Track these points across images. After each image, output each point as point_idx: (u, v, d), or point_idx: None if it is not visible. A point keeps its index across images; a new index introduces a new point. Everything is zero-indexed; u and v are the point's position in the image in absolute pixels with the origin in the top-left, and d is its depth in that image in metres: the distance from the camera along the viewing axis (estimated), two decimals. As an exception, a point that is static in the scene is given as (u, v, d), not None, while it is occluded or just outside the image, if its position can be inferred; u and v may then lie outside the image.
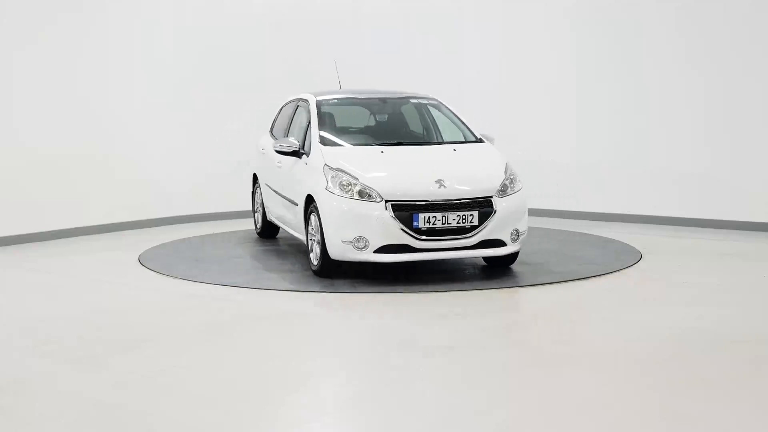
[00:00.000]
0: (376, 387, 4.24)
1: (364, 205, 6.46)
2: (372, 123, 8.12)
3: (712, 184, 9.56)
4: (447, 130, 7.85)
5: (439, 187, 6.53)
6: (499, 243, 6.68)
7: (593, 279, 6.79)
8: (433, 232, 6.47)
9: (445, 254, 6.58)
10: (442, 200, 6.50)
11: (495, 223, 6.59)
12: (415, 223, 6.43)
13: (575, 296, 6.30)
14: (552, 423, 3.68)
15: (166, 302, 6.28)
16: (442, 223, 6.47)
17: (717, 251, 8.21)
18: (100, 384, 4.30)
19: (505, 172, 6.90)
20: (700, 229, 9.47)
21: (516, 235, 6.75)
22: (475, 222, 6.53)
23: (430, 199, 6.49)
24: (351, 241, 6.46)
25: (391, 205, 6.44)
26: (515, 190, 6.83)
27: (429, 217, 6.45)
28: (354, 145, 7.34)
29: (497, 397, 4.04)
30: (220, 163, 10.82)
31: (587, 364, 4.57)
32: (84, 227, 9.50)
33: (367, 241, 6.44)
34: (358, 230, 6.43)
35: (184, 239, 9.15)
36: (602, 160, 10.38)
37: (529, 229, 9.62)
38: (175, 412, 3.88)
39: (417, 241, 6.45)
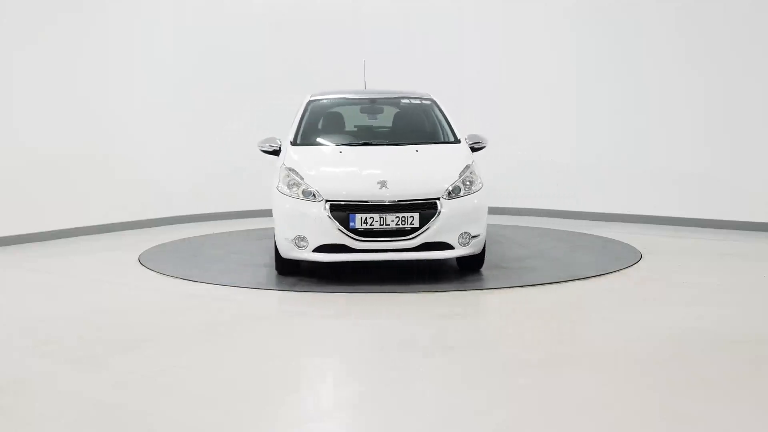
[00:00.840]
0: (376, 387, 4.24)
1: (305, 205, 6.52)
2: (356, 122, 8.13)
3: (712, 184, 9.56)
4: (432, 130, 7.76)
5: (380, 188, 6.47)
6: (446, 246, 6.56)
7: (593, 279, 6.79)
8: (370, 233, 6.42)
9: (385, 255, 6.45)
10: (382, 201, 6.43)
11: (439, 225, 6.46)
12: (351, 224, 6.40)
13: (575, 296, 6.30)
14: (552, 423, 3.68)
15: (166, 302, 6.28)
16: (380, 224, 6.40)
17: (717, 251, 8.21)
18: (100, 384, 4.30)
19: (461, 174, 6.72)
20: (700, 229, 9.48)
21: (467, 238, 6.57)
22: (416, 224, 6.42)
23: (369, 199, 6.44)
24: (293, 239, 6.55)
25: (330, 204, 6.45)
26: (470, 192, 6.67)
27: (366, 218, 6.40)
28: (320, 145, 7.42)
29: (497, 397, 4.04)
30: (220, 163, 10.83)
31: (587, 364, 4.57)
32: (84, 227, 9.50)
33: (306, 239, 6.50)
34: (299, 229, 6.52)
35: (184, 239, 9.15)
36: (602, 160, 10.39)
37: (530, 229, 9.67)
38: (175, 412, 3.88)
39: (354, 242, 6.42)
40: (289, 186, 6.69)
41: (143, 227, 10.09)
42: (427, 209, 6.46)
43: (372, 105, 8.20)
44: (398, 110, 8.16)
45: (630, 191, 10.22)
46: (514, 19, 11.02)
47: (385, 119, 8.22)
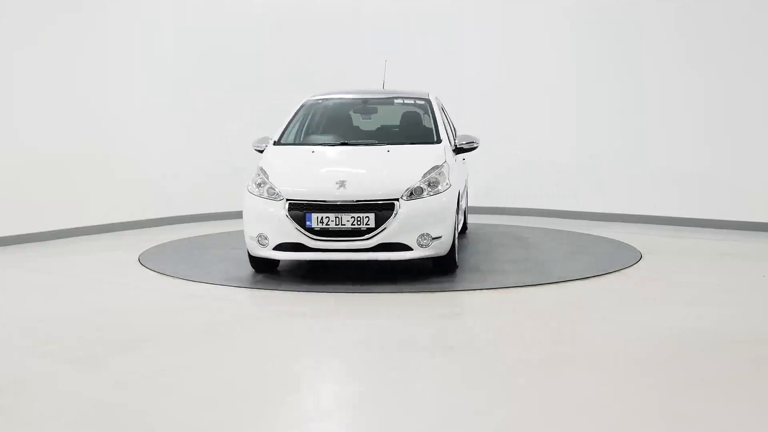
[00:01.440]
0: (376, 387, 4.24)
1: (267, 204, 6.63)
2: (347, 123, 8.13)
3: (712, 184, 9.56)
4: (417, 130, 7.65)
5: (339, 188, 6.48)
6: (404, 247, 6.49)
7: (593, 279, 6.79)
8: (326, 233, 6.45)
9: (341, 255, 6.48)
10: (339, 201, 6.44)
11: (396, 226, 6.41)
12: (308, 223, 6.46)
13: (575, 296, 6.30)
14: (552, 423, 3.68)
15: (166, 302, 6.28)
16: (336, 224, 6.43)
17: (717, 251, 8.21)
18: (100, 384, 4.30)
19: (425, 174, 6.63)
20: (700, 229, 9.48)
21: (427, 239, 6.47)
22: (372, 224, 6.40)
23: (327, 199, 6.46)
24: (256, 237, 6.67)
25: (289, 204, 6.53)
26: (434, 193, 6.58)
27: (322, 218, 6.43)
28: (299, 145, 7.49)
29: (497, 397, 4.04)
30: (220, 163, 10.82)
31: (587, 364, 4.57)
32: (84, 227, 9.50)
33: (268, 237, 6.61)
34: (261, 227, 6.64)
35: (184, 239, 9.15)
36: (602, 160, 10.39)
37: (530, 229, 9.66)
38: (175, 412, 3.88)
39: (311, 241, 6.47)
40: (258, 185, 6.82)
41: (143, 227, 10.09)
42: (383, 210, 6.43)
43: (364, 105, 8.20)
44: (390, 111, 8.14)
45: (630, 191, 10.22)
46: (514, 19, 11.02)
47: (378, 119, 8.20)
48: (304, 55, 11.20)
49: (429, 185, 6.61)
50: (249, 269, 7.32)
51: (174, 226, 10.29)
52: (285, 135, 7.61)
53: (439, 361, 4.67)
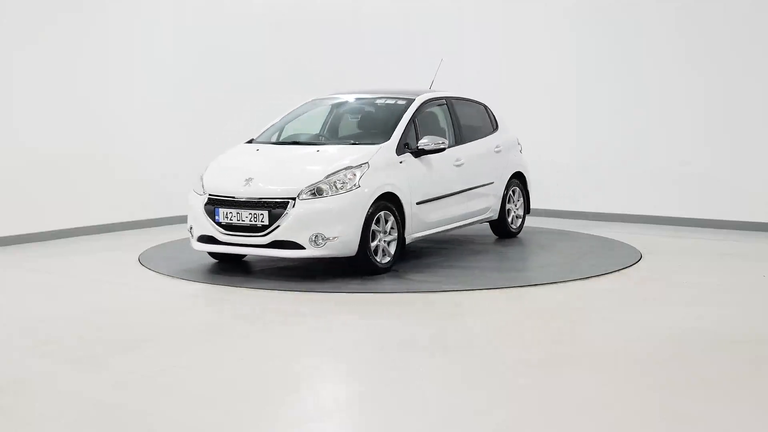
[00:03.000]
0: (376, 387, 4.24)
1: (196, 198, 7.08)
2: (316, 123, 8.18)
3: (712, 184, 9.56)
4: (375, 131, 7.54)
5: (245, 185, 6.79)
6: (296, 245, 6.56)
7: (593, 279, 6.79)
8: (231, 227, 6.79)
9: (244, 249, 6.84)
10: (242, 197, 6.76)
11: (288, 224, 6.53)
12: (216, 217, 6.84)
13: (575, 296, 6.30)
14: (552, 423, 3.68)
15: (166, 302, 6.28)
16: (238, 220, 6.75)
17: (717, 251, 8.21)
18: (100, 384, 4.30)
19: (330, 175, 6.64)
20: (700, 229, 9.48)
21: (320, 239, 6.50)
22: (266, 221, 6.61)
23: (234, 195, 6.81)
24: (189, 229, 7.20)
25: (208, 198, 6.95)
26: (335, 194, 6.57)
27: (227, 213, 6.79)
28: (259, 143, 7.73)
29: (497, 397, 4.04)
30: (220, 163, 10.81)
31: (587, 364, 4.57)
32: (84, 227, 9.49)
33: (193, 230, 7.10)
34: (191, 220, 7.15)
35: (184, 239, 9.14)
36: (602, 160, 10.38)
37: (529, 229, 9.65)
38: (175, 412, 3.89)
39: (220, 234, 6.84)
40: (199, 180, 7.20)
41: (143, 227, 10.09)
42: (277, 207, 6.61)
43: (350, 104, 8.21)
44: (372, 111, 8.04)
45: (630, 191, 10.21)
46: (514, 19, 11.01)
47: (363, 119, 8.08)
48: (304, 55, 11.19)
49: (332, 185, 6.64)
50: (249, 269, 7.33)
51: (174, 226, 10.28)
52: (262, 134, 7.87)
53: (439, 361, 4.67)
